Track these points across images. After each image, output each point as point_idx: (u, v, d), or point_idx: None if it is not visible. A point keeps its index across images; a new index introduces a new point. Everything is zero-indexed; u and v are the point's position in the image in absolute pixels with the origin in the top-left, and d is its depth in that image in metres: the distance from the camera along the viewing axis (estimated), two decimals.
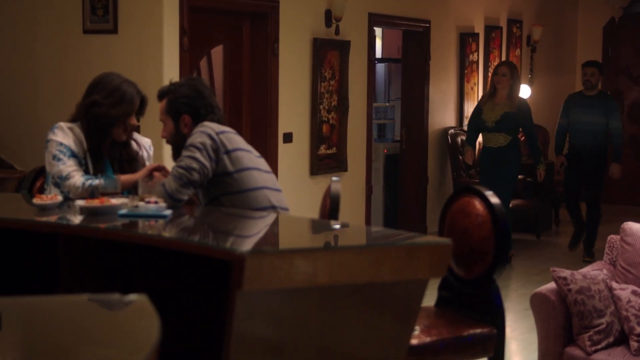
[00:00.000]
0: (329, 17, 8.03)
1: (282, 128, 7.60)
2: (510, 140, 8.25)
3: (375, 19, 8.71)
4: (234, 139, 3.92)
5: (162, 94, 4.14)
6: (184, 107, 4.03)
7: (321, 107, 8.02)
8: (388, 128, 10.87)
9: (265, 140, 7.47)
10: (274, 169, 7.49)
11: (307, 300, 2.89)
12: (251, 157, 3.97)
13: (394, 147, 9.95)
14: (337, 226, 3.56)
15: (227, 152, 3.85)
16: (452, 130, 9.99)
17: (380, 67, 11.43)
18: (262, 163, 4.05)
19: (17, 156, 7.18)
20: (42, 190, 4.25)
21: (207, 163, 3.79)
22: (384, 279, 2.95)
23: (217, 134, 3.86)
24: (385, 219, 9.81)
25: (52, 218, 3.57)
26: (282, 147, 7.60)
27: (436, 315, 3.82)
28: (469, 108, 10.34)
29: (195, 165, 3.77)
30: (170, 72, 6.53)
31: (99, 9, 6.74)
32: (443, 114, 10.03)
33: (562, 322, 4.30)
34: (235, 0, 7.20)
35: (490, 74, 10.71)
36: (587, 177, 8.79)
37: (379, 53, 11.54)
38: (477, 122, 8.43)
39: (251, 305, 2.80)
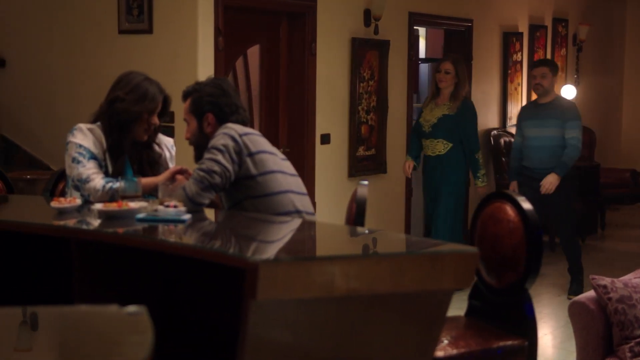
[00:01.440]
0: (368, 17, 7.90)
1: (320, 129, 7.49)
2: (450, 147, 7.23)
3: (415, 18, 8.56)
4: (257, 141, 3.81)
5: (187, 94, 4.05)
6: (208, 105, 3.93)
7: (360, 108, 7.90)
8: None
9: (302, 141, 7.37)
10: (311, 171, 7.38)
11: (325, 311, 2.77)
12: (275, 159, 3.85)
13: None
14: (360, 233, 3.43)
15: (251, 154, 3.74)
16: (495, 132, 9.79)
17: (424, 67, 11.28)
18: (287, 166, 3.93)
19: (53, 157, 7.15)
20: (64, 193, 4.18)
21: (229, 166, 3.68)
22: (405, 289, 2.82)
23: (240, 135, 3.75)
24: (426, 223, 9.64)
25: (70, 222, 3.49)
26: (319, 148, 7.48)
27: (465, 326, 3.67)
28: (513, 109, 10.14)
29: (217, 168, 3.66)
30: (205, 72, 6.46)
31: (134, 9, 6.70)
32: (485, 115, 9.82)
33: (601, 332, 4.13)
34: None
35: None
36: (549, 206, 7.20)
37: (422, 53, 11.40)
38: (417, 126, 7.49)
39: (266, 315, 2.69)
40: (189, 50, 6.49)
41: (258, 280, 2.61)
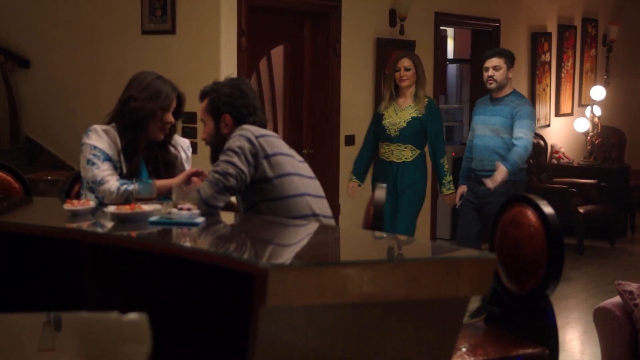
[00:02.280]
0: (394, 17, 7.83)
1: (344, 130, 7.43)
2: (418, 154, 6.54)
3: (442, 18, 8.47)
4: (274, 143, 3.74)
5: (204, 94, 3.99)
6: (226, 106, 3.87)
7: None
8: (456, 130, 10.60)
9: (326, 143, 7.31)
10: (335, 173, 7.32)
11: (337, 318, 2.70)
12: (292, 162, 3.78)
13: (461, 150, 9.66)
14: (376, 237, 3.35)
15: (267, 156, 3.67)
16: None
17: (452, 68, 11.18)
18: (305, 168, 3.86)
19: (76, 158, 7.09)
20: (79, 195, 4.13)
21: (244, 168, 3.61)
22: (420, 295, 2.74)
23: (257, 137, 3.68)
24: (453, 226, 9.55)
25: (82, 224, 3.44)
26: (343, 149, 7.42)
27: (484, 333, 3.58)
28: (541, 110, 10.02)
29: (232, 170, 3.60)
30: (228, 73, 6.40)
31: (158, 9, 6.68)
32: None
33: (627, 340, 4.03)
34: None
35: (564, 75, 10.40)
36: (487, 217, 6.26)
37: (450, 54, 11.31)
38: (377, 133, 6.62)
39: (276, 321, 2.62)
40: (212, 50, 6.47)
41: (268, 286, 2.55)
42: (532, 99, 9.93)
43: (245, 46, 6.54)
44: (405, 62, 6.54)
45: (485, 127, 6.48)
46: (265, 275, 2.55)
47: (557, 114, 10.47)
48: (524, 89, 9.83)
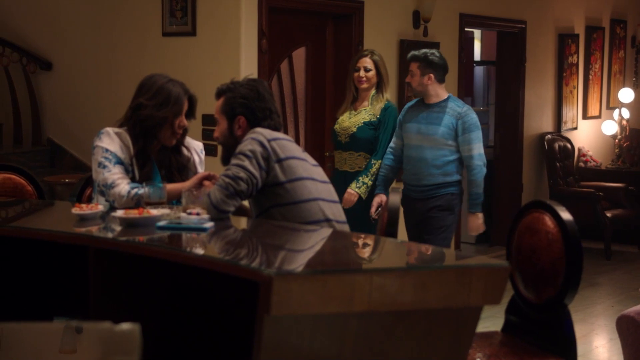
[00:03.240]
0: (417, 18, 7.74)
1: None
2: None
3: (466, 20, 8.36)
4: (287, 147, 3.66)
5: (220, 92, 3.91)
6: (241, 107, 3.79)
7: None
8: (482, 133, 10.46)
9: None
10: None
11: (343, 328, 2.62)
12: (305, 165, 3.69)
13: (487, 153, 9.53)
14: (387, 244, 3.26)
15: (279, 160, 3.59)
16: (549, 136, 9.54)
17: (479, 70, 11.07)
18: (318, 172, 3.77)
19: None
20: (91, 199, 4.08)
21: (256, 172, 3.54)
22: (430, 305, 2.65)
23: (269, 141, 3.61)
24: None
25: (88, 229, 3.39)
26: None
27: (500, 343, 3.48)
28: (568, 113, 9.89)
29: (243, 174, 3.52)
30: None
31: (178, 11, 6.64)
32: (539, 118, 9.59)
33: None
34: (317, 0, 6.96)
35: (591, 77, 10.25)
36: (427, 235, 5.60)
37: (477, 56, 11.19)
38: (333, 137, 6.03)
39: (280, 331, 2.55)
40: (232, 52, 6.42)
41: (272, 294, 2.48)
42: (559, 101, 9.80)
43: (265, 48, 6.48)
44: (366, 62, 5.86)
45: (421, 137, 5.63)
46: (270, 283, 2.48)
47: (585, 116, 10.33)
48: (550, 91, 9.71)
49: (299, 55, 7.22)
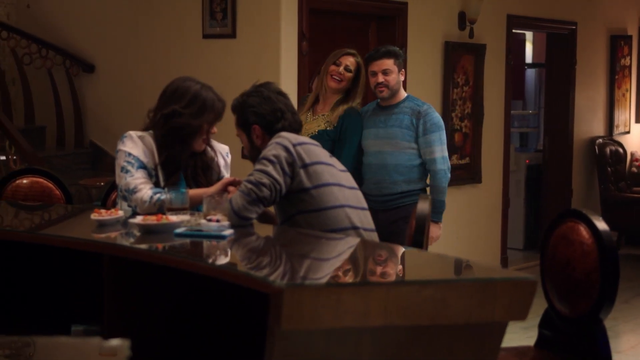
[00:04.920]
0: (463, 19, 7.58)
1: None
2: None
3: (514, 21, 8.16)
4: (313, 151, 3.54)
5: (233, 108, 3.80)
6: (252, 116, 3.68)
7: (453, 114, 7.57)
8: (531, 137, 10.28)
9: None
10: None
11: (358, 344, 2.49)
12: (332, 171, 3.57)
13: (536, 157, 9.38)
14: (409, 255, 3.12)
15: (304, 165, 3.47)
16: (600, 140, 9.31)
17: (531, 73, 10.87)
18: (346, 178, 3.65)
19: None
20: (116, 204, 4.00)
21: (279, 178, 3.42)
22: (450, 320, 2.51)
23: (294, 145, 3.49)
24: (526, 235, 9.26)
25: (104, 235, 3.31)
26: None
27: (531, 359, 3.33)
28: (620, 116, 9.64)
29: (265, 180, 3.40)
30: (288, 77, 6.30)
31: (218, 13, 6.57)
32: (590, 122, 9.35)
33: None
34: (360, 2, 6.84)
35: None
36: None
37: (529, 58, 10.99)
38: None
39: (292, 346, 2.44)
40: (272, 54, 6.34)
41: (283, 307, 2.36)
42: (611, 104, 9.56)
43: (306, 50, 6.38)
44: (350, 61, 5.16)
45: (380, 142, 5.10)
46: (280, 296, 2.37)
47: (638, 120, 10.08)
48: (601, 94, 9.47)
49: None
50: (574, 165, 9.12)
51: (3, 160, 6.19)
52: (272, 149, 3.47)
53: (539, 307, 3.08)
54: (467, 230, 7.83)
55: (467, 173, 7.78)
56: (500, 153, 8.17)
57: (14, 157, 6.19)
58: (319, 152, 3.59)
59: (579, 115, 9.11)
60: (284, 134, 3.57)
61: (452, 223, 7.67)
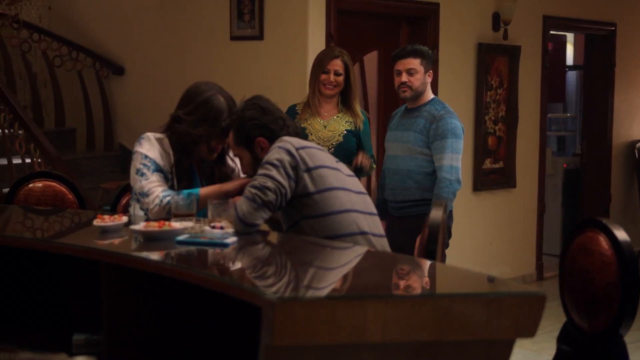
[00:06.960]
0: (497, 21, 7.41)
1: None
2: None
3: (550, 22, 7.97)
4: (316, 155, 3.40)
5: (230, 126, 3.60)
6: (255, 129, 3.51)
7: (487, 117, 7.41)
8: (569, 140, 10.05)
9: None
10: None
11: None
12: (338, 175, 3.43)
13: (574, 162, 9.16)
14: (415, 266, 2.98)
15: (308, 169, 3.34)
16: None
17: (572, 75, 10.64)
18: (353, 182, 3.51)
19: None
20: (128, 207, 3.91)
21: (284, 181, 3.29)
22: (453, 337, 2.37)
23: (297, 149, 3.36)
24: (564, 241, 9.02)
25: (115, 241, 3.22)
26: None
27: None
28: None
29: (270, 184, 3.28)
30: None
31: (246, 15, 6.49)
32: (630, 125, 9.11)
33: None
34: (390, 2, 6.70)
35: None
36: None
37: (570, 60, 10.77)
38: None
39: None
40: (300, 56, 6.24)
41: (275, 321, 2.25)
42: None
43: None
44: (338, 65, 4.97)
45: (397, 146, 4.95)
46: (272, 309, 2.25)
47: None
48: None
49: (371, 59, 6.99)
50: (612, 170, 8.89)
51: (28, 163, 6.15)
52: (275, 153, 3.35)
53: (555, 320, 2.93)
54: (500, 235, 7.66)
55: (501, 177, 7.62)
56: (536, 157, 7.98)
57: (39, 160, 6.15)
58: (324, 156, 3.46)
59: (618, 118, 8.88)
60: (286, 138, 3.44)
61: (485, 228, 7.52)
